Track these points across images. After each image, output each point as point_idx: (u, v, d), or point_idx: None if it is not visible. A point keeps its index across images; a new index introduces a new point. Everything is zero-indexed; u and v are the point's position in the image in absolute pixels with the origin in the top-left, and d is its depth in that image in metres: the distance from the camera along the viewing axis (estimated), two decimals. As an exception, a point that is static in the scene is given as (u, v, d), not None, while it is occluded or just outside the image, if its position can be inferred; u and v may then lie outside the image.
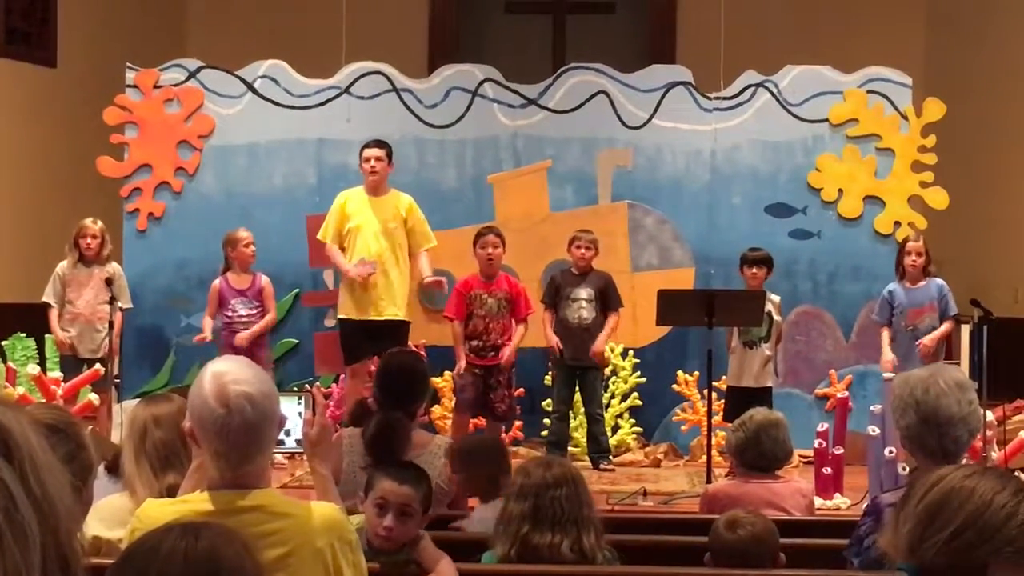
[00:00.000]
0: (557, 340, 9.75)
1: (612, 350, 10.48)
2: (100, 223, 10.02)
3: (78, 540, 1.29)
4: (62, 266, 9.91)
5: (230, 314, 9.97)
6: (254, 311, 10.01)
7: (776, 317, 9.54)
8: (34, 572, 1.22)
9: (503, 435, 9.37)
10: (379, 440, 5.18)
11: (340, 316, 9.96)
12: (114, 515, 4.04)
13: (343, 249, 9.86)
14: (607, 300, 9.83)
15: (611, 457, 9.92)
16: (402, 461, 4.75)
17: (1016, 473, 2.47)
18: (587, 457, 9.94)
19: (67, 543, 1.27)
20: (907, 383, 4.02)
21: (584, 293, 9.77)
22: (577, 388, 9.91)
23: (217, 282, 10.05)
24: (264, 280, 10.14)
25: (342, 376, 10.44)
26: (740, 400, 8.89)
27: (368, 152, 9.83)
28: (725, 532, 4.23)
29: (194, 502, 3.18)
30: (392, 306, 9.72)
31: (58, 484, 1.28)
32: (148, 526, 2.79)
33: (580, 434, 10.25)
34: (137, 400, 9.67)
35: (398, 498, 4.06)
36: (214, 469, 3.17)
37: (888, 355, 9.57)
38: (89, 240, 9.86)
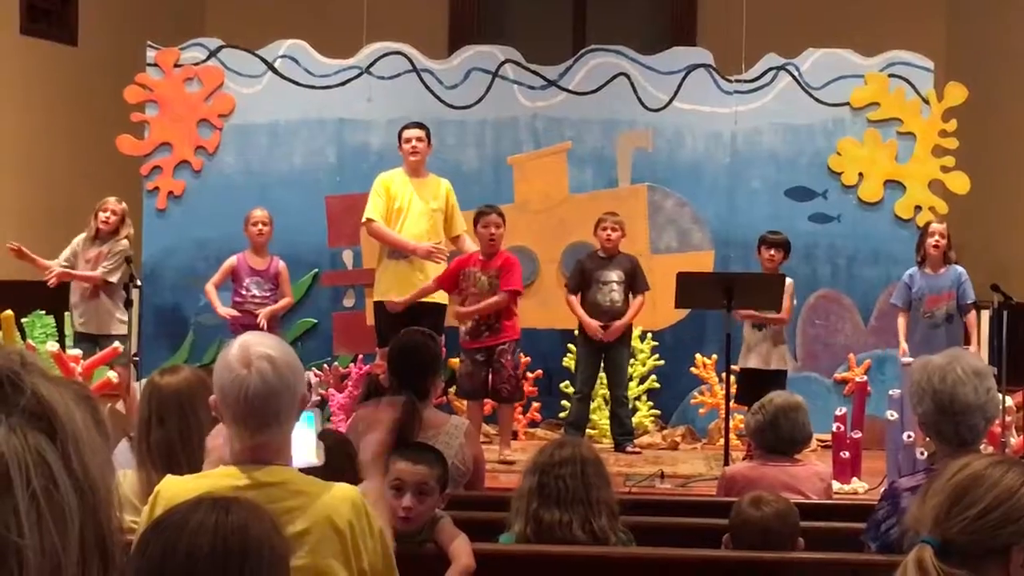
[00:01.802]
0: (597, 324, 9.66)
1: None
2: (124, 204, 9.99)
3: (117, 521, 1.29)
4: (79, 239, 9.88)
5: (244, 292, 9.91)
6: (268, 293, 9.95)
7: (784, 301, 9.49)
8: (71, 554, 1.21)
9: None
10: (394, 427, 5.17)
11: (378, 298, 9.75)
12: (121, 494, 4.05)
13: None
14: (635, 282, 9.77)
15: (634, 440, 9.90)
16: (416, 442, 4.76)
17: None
18: (606, 439, 9.93)
19: (106, 525, 1.27)
20: (924, 370, 4.01)
21: (615, 275, 9.70)
22: (602, 369, 9.87)
23: (235, 257, 10.01)
24: (281, 265, 10.07)
25: (360, 356, 10.45)
26: (753, 382, 8.91)
27: (408, 133, 9.70)
28: (749, 509, 4.24)
29: (215, 477, 3.20)
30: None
31: (100, 465, 1.28)
32: (170, 501, 2.80)
33: (598, 416, 10.25)
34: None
35: (414, 477, 4.08)
36: (235, 439, 3.20)
37: (904, 344, 9.46)
38: (108, 215, 9.80)
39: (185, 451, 3.84)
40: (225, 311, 9.88)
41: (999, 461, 2.40)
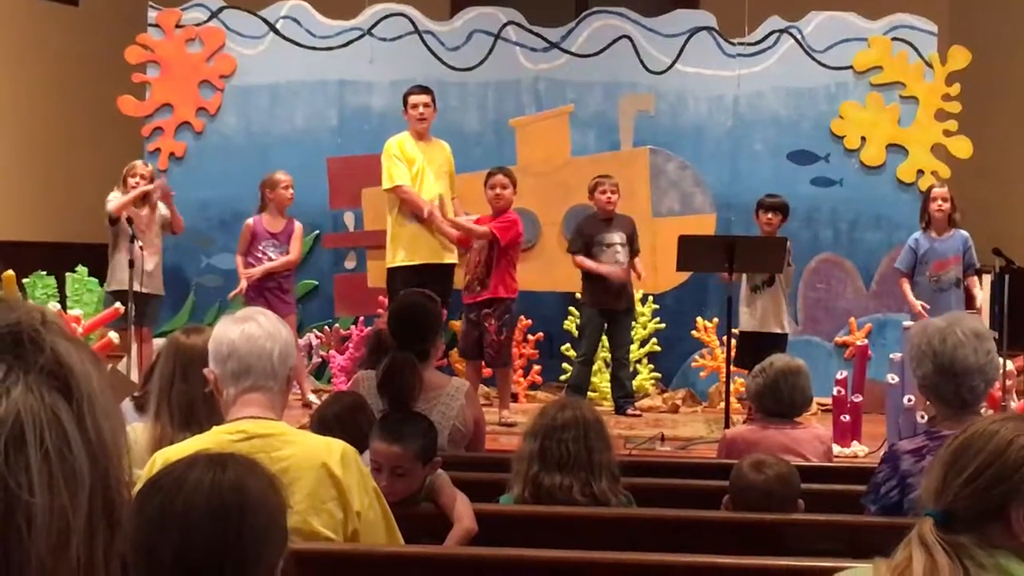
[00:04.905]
0: (611, 269, 9.57)
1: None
2: (151, 165, 9.97)
3: (126, 485, 1.30)
4: (117, 197, 9.73)
5: (260, 256, 9.84)
6: (284, 255, 9.91)
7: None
8: (80, 516, 1.21)
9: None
10: (388, 382, 5.14)
11: (398, 263, 9.54)
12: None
13: None
14: (634, 244, 9.76)
15: (634, 402, 9.90)
16: (402, 413, 4.66)
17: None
18: (607, 401, 9.94)
19: (115, 488, 1.27)
20: (924, 332, 4.01)
21: (618, 237, 9.66)
22: (605, 333, 9.86)
23: (251, 221, 9.90)
24: (297, 225, 9.99)
25: (361, 318, 10.45)
26: (751, 345, 8.89)
27: (416, 99, 9.64)
28: (751, 472, 4.22)
29: (209, 435, 3.26)
30: (448, 249, 9.59)
31: (113, 428, 1.27)
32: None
33: (599, 379, 10.26)
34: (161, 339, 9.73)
35: (387, 460, 4.04)
36: (228, 402, 3.29)
37: (916, 303, 9.36)
38: (139, 180, 9.73)
39: (207, 407, 3.85)
40: (246, 273, 9.78)
41: (999, 418, 2.36)
